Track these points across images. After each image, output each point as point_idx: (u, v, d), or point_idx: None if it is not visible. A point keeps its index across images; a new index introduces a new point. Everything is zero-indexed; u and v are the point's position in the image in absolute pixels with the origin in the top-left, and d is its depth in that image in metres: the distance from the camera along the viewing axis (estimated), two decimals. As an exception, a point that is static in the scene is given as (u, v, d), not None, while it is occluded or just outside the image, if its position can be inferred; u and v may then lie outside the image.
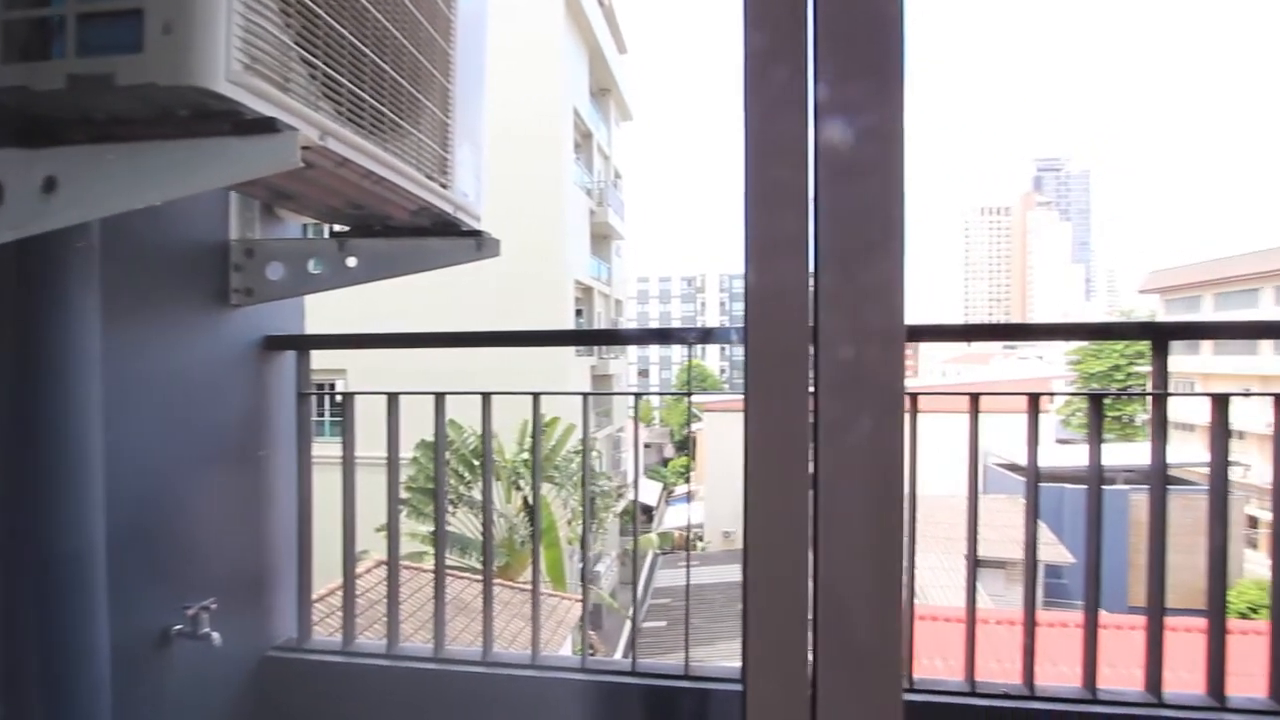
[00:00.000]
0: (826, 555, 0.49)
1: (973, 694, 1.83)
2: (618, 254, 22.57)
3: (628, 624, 16.65)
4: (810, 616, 0.50)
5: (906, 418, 1.85)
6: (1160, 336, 1.70)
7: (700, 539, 20.88)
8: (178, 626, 1.69)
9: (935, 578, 11.57)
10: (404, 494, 12.25)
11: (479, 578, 2.13)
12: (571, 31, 17.33)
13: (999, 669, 1.99)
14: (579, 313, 18.57)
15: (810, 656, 0.50)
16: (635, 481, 2.05)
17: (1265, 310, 28.22)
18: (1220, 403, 1.73)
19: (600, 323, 20.46)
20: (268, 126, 0.97)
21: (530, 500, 11.05)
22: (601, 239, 21.02)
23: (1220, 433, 1.75)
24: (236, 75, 0.91)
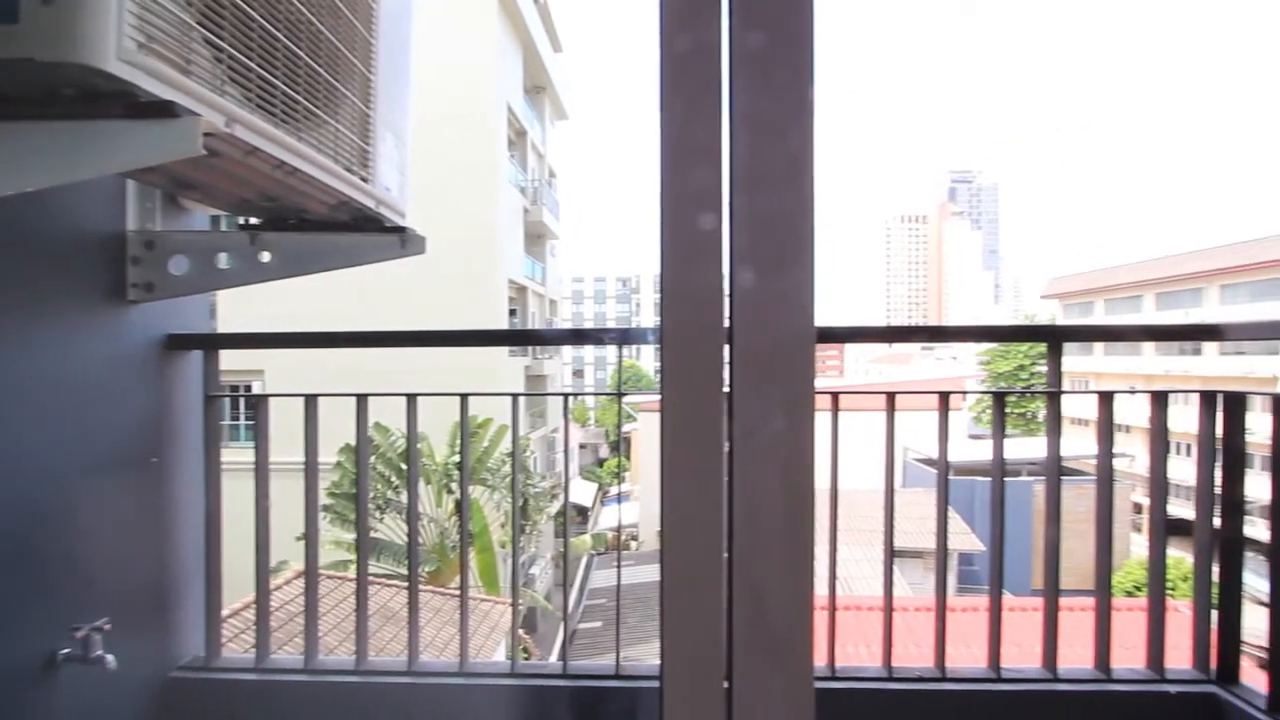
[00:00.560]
0: (741, 552, 0.50)
1: (890, 679, 1.92)
2: (552, 254, 22.38)
3: (562, 627, 16.54)
4: (726, 611, 0.51)
5: (828, 416, 1.93)
6: (1054, 339, 1.83)
7: (635, 539, 20.98)
8: (65, 650, 1.56)
9: (859, 569, 12.08)
10: (327, 500, 11.72)
11: (408, 585, 2.06)
12: (505, 27, 17.06)
13: (917, 654, 2.09)
14: (513, 312, 18.29)
15: (726, 651, 0.52)
16: (565, 483, 2.03)
17: (1148, 315, 31.02)
18: (1106, 399, 1.89)
19: (535, 323, 20.23)
20: (165, 110, 0.91)
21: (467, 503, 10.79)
22: (536, 238, 20.78)
23: (1106, 427, 1.91)
24: (129, 54, 0.84)
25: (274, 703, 1.97)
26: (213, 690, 1.96)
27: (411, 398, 1.98)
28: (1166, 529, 1.94)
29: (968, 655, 2.04)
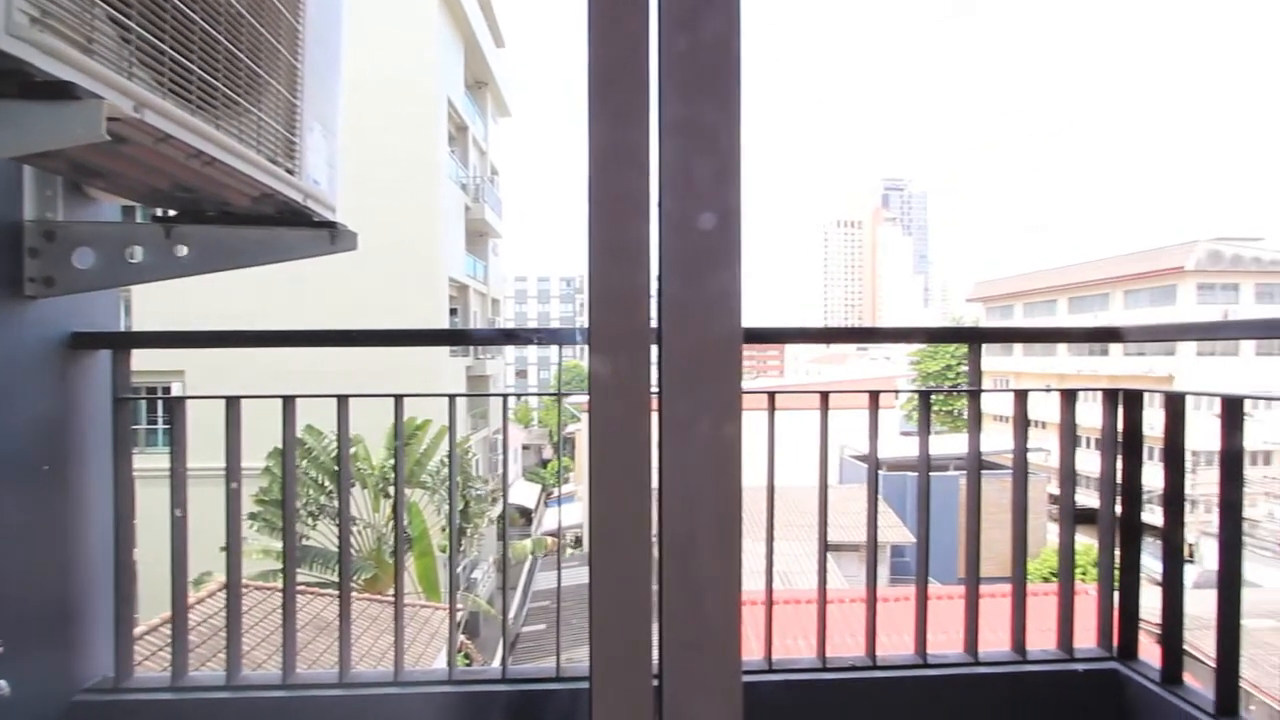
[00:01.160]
0: (671, 550, 0.51)
1: (824, 669, 1.98)
2: (494, 252, 22.01)
3: (503, 629, 16.27)
4: (656, 609, 0.52)
5: (764, 415, 1.97)
6: (974, 340, 1.94)
7: (580, 540, 20.90)
8: (-51, 677, 1.43)
9: (799, 564, 12.42)
10: (254, 507, 11.16)
11: (338, 593, 1.98)
12: (446, 20, 16.67)
13: (853, 643, 2.16)
14: (454, 311, 17.90)
15: (656, 649, 0.52)
16: (504, 485, 2.00)
17: (1061, 318, 33.18)
18: (1021, 397, 2.01)
19: (477, 322, 19.85)
20: (64, 92, 0.84)
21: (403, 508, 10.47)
22: (478, 236, 20.40)
23: (1022, 423, 2.03)
24: (21, 29, 0.78)
25: (192, 722, 1.86)
26: (121, 712, 1.83)
27: (342, 399, 1.91)
28: (1075, 518, 2.08)
29: (900, 643, 2.13)
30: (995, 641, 2.11)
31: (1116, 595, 2.05)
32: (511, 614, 17.68)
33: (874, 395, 1.96)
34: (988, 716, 2.02)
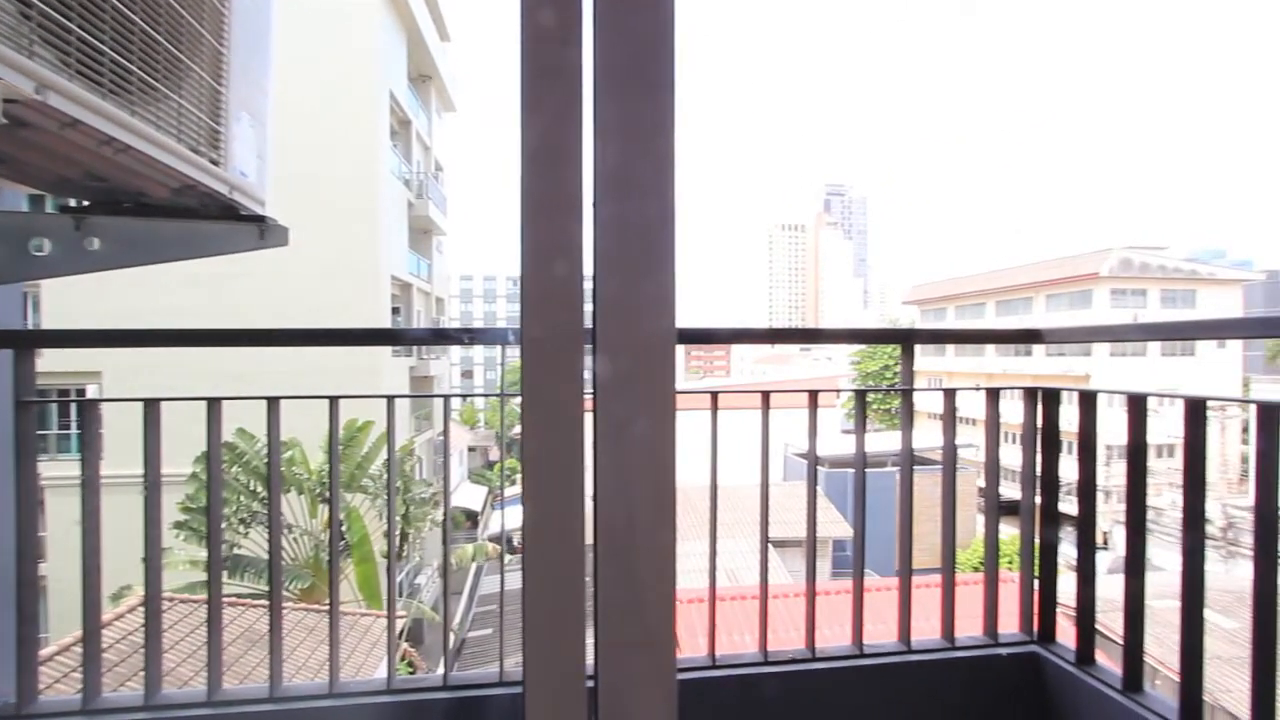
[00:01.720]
0: (605, 551, 0.51)
1: (765, 663, 2.02)
2: (439, 250, 21.51)
3: (452, 635, 15.93)
4: (591, 611, 0.52)
5: (708, 414, 2.00)
6: (906, 341, 2.02)
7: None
8: None
9: (746, 560, 12.63)
10: (181, 515, 10.57)
11: (268, 602, 1.89)
12: (388, 10, 16.19)
13: (797, 636, 2.21)
14: (396, 310, 17.40)
15: (591, 650, 0.52)
16: (446, 488, 1.96)
17: (989, 320, 34.93)
18: (950, 395, 2.10)
19: (421, 321, 19.35)
20: (-48, 71, 0.78)
21: (341, 514, 10.10)
22: (421, 233, 19.89)
23: (950, 419, 2.12)
24: (-99, 1, 0.72)
25: (105, 747, 1.75)
26: (26, 740, 1.70)
27: (273, 401, 1.83)
28: (999, 510, 2.19)
29: (841, 635, 2.19)
30: (930, 630, 2.20)
31: (1037, 582, 2.17)
32: (456, 620, 17.32)
33: (813, 395, 2.02)
34: (920, 702, 2.11)
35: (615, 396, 0.50)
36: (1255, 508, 1.47)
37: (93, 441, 1.79)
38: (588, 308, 0.49)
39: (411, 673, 10.27)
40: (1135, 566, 1.80)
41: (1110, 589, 2.72)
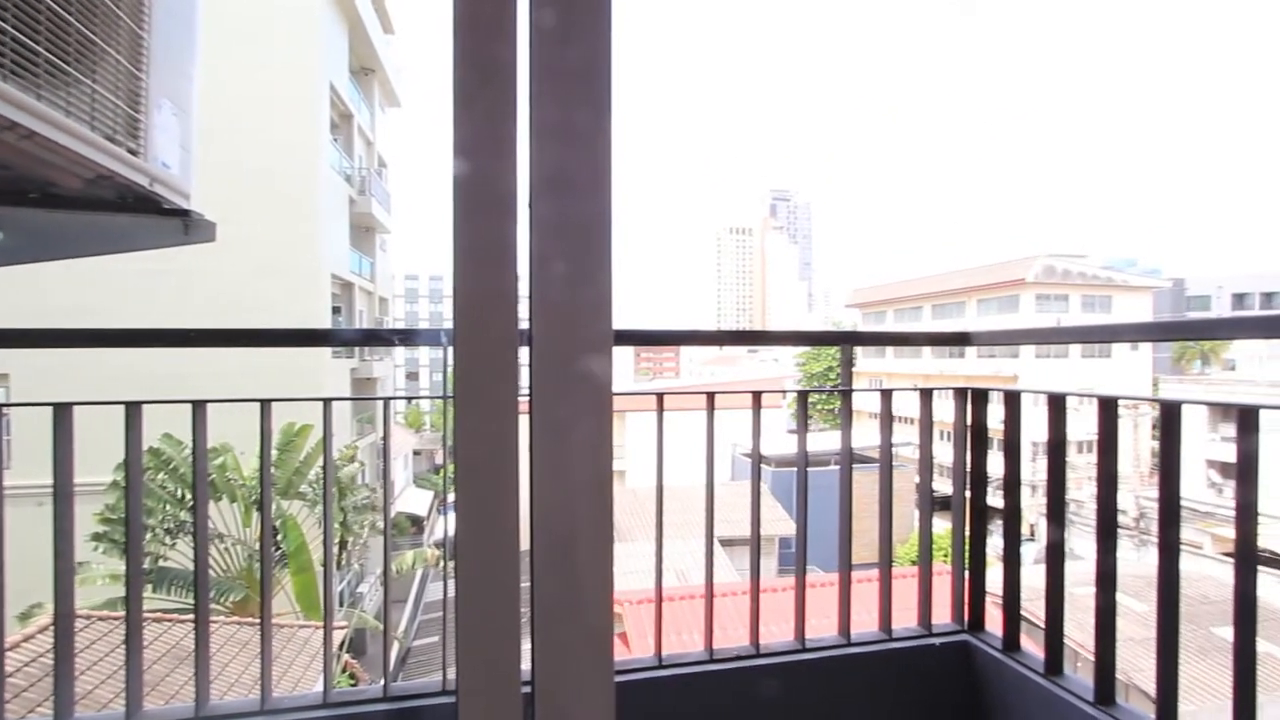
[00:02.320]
0: (542, 555, 0.51)
1: (712, 661, 2.05)
2: (382, 248, 20.89)
3: (396, 644, 15.47)
4: (528, 616, 0.51)
5: (648, 415, 2.01)
6: (845, 343, 2.09)
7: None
8: None
9: (697, 559, 12.74)
10: (100, 527, 9.90)
11: (211, 620, 1.79)
12: (328, 0, 15.62)
13: (745, 633, 2.24)
14: (337, 310, 16.81)
15: (529, 656, 0.52)
16: (386, 493, 1.90)
17: (925, 323, 36.41)
18: (886, 395, 2.18)
19: (363, 321, 18.74)
20: None
21: (276, 522, 9.67)
22: (364, 231, 19.28)
23: (887, 419, 2.20)
24: None
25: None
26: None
27: (199, 404, 1.74)
28: (933, 504, 2.28)
29: (786, 630, 2.23)
30: (871, 622, 2.27)
31: (967, 574, 2.27)
32: (401, 628, 16.83)
33: (756, 395, 2.06)
34: (859, 692, 2.17)
35: (553, 398, 0.50)
36: (1160, 498, 1.58)
37: (-6, 449, 1.66)
38: (523, 309, 0.49)
39: (353, 684, 9.93)
40: (1055, 556, 1.91)
41: (1037, 578, 2.86)
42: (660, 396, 1.95)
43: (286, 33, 14.25)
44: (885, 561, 2.22)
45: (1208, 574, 13.18)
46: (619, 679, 1.97)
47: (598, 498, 0.53)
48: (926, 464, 2.26)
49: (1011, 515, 2.07)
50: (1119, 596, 1.76)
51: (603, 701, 0.55)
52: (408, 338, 1.77)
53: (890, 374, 35.44)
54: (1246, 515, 1.42)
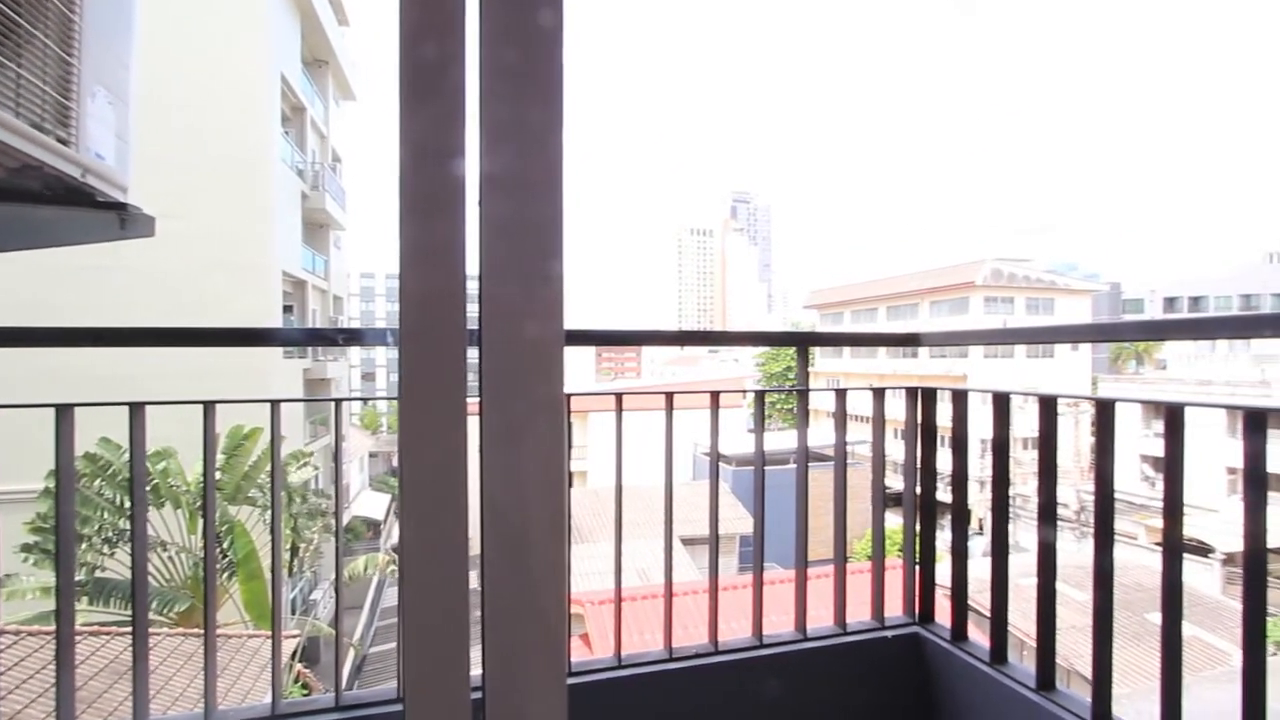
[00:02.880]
0: (492, 559, 0.50)
1: (671, 659, 2.06)
2: (337, 246, 20.33)
3: (352, 651, 15.08)
4: (479, 621, 0.51)
5: (609, 415, 2.01)
6: (802, 343, 2.12)
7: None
8: None
9: (660, 559, 12.77)
10: (31, 537, 9.35)
11: (153, 632, 1.71)
12: (279, -13, 15.12)
13: (705, 632, 2.25)
14: (288, 309, 16.28)
15: (480, 661, 0.51)
16: (338, 497, 1.85)
17: (880, 324, 37.36)
18: (841, 395, 2.23)
19: (316, 320, 18.20)
20: None
21: (224, 528, 9.31)
22: (317, 228, 18.73)
23: (841, 418, 2.25)
24: None
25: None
26: None
27: (136, 407, 1.66)
28: (885, 501, 2.34)
29: (749, 627, 2.26)
30: (827, 617, 2.32)
31: (918, 568, 2.34)
32: (357, 635, 16.41)
33: (715, 395, 2.08)
34: (816, 685, 2.22)
35: (503, 399, 0.50)
36: (1096, 491, 1.65)
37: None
38: (472, 309, 0.48)
39: (306, 694, 9.62)
40: (1000, 549, 1.98)
41: (986, 570, 2.97)
42: (619, 397, 1.95)
43: (234, 20, 13.74)
44: (840, 557, 2.27)
45: (1142, 563, 13.88)
46: (579, 681, 1.96)
47: (551, 499, 0.53)
48: (879, 461, 2.32)
49: (960, 510, 2.14)
50: (1061, 586, 1.84)
51: (555, 704, 0.54)
52: (353, 337, 1.72)
53: (847, 374, 36.26)
54: (1174, 507, 1.50)
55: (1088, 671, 1.71)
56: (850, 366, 36.27)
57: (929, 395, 2.20)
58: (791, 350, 2.15)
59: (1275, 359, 24.97)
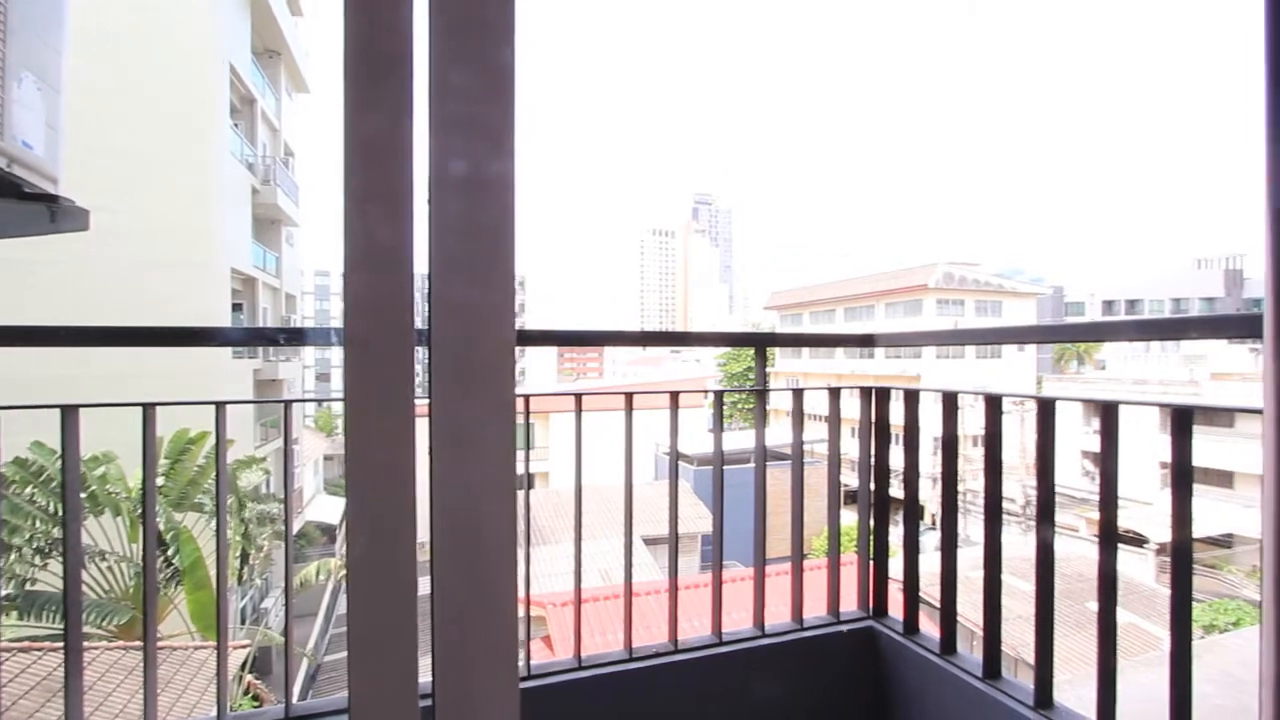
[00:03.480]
0: (442, 562, 0.49)
1: (630, 659, 2.06)
2: (289, 242, 19.71)
3: (305, 661, 14.62)
4: (430, 626, 0.50)
5: (572, 416, 2.00)
6: (760, 344, 2.15)
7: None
8: None
9: (622, 559, 12.78)
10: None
11: (90, 646, 1.63)
12: (226, -27, 14.58)
13: (667, 631, 2.26)
14: (238, 307, 15.71)
15: (431, 668, 0.50)
16: (288, 501, 1.80)
17: (838, 325, 38.20)
18: (798, 395, 2.27)
19: (267, 319, 17.60)
20: None
21: (168, 535, 8.92)
22: (269, 223, 18.13)
23: (799, 417, 2.29)
24: None
25: None
26: None
27: (69, 410, 1.58)
28: (840, 498, 2.39)
29: (706, 626, 2.27)
30: (785, 613, 2.35)
31: (872, 563, 2.39)
32: (311, 643, 15.94)
33: (674, 395, 2.09)
34: (773, 681, 2.25)
35: (453, 400, 0.49)
36: (1038, 486, 1.72)
37: None
38: (422, 309, 0.48)
39: (256, 706, 9.29)
40: (949, 544, 2.05)
41: (937, 564, 3.07)
42: (579, 397, 1.95)
43: (178, 5, 13.19)
44: (797, 554, 2.31)
45: (1083, 554, 14.52)
46: (539, 684, 1.95)
47: (502, 501, 0.52)
48: (835, 459, 2.37)
49: (912, 506, 2.20)
50: (1008, 578, 1.91)
51: (508, 708, 0.54)
52: (296, 337, 1.67)
53: (807, 374, 36.95)
54: (1109, 499, 1.58)
55: (1033, 659, 1.78)
56: (809, 367, 36.99)
57: (883, 394, 2.26)
58: (752, 350, 2.17)
59: (1203, 359, 26.46)
